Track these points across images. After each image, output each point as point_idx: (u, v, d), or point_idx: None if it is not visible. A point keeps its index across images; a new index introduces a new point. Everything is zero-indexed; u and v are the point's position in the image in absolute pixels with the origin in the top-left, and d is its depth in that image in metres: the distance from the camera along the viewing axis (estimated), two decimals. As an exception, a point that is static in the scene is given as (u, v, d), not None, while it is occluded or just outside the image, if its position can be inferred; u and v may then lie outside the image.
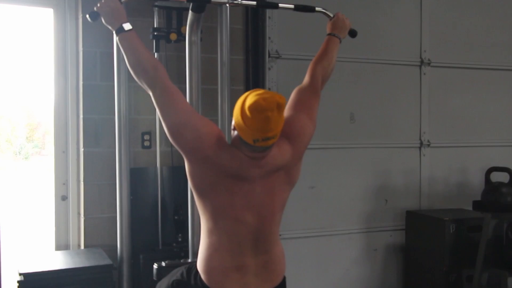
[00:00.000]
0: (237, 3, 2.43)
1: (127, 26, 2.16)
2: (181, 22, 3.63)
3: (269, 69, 4.15)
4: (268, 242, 2.16)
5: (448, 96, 4.79)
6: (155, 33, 3.63)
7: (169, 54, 3.74)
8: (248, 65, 4.09)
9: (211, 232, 2.10)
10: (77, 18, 3.77)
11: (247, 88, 4.05)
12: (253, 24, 4.10)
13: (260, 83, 4.07)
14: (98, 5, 2.20)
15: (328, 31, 2.56)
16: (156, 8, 3.68)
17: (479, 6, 4.90)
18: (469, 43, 4.84)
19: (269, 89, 4.12)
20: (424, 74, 4.68)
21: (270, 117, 1.91)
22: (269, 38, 4.15)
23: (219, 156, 2.02)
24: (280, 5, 2.61)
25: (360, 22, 4.45)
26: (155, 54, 3.68)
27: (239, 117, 1.96)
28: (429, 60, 4.68)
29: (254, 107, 1.91)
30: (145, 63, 2.11)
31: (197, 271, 2.17)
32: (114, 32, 2.18)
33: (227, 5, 2.45)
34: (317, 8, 2.65)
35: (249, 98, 1.95)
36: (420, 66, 4.67)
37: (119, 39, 2.16)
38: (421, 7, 4.66)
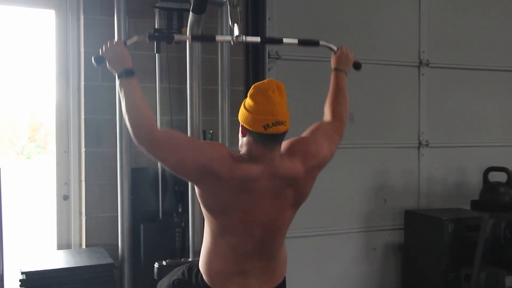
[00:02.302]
0: (241, 41, 2.38)
1: (128, 72, 2.13)
2: (182, 23, 3.65)
3: (269, 69, 4.17)
4: (272, 252, 2.18)
5: (446, 96, 4.81)
6: (156, 34, 3.65)
7: (170, 54, 3.76)
8: (248, 66, 4.11)
9: (216, 241, 2.10)
10: (78, 20, 3.79)
11: (247, 89, 4.06)
12: (253, 25, 4.13)
13: (260, 84, 4.09)
14: (104, 49, 2.17)
15: (333, 65, 2.56)
16: (157, 9, 3.70)
17: (478, 7, 4.91)
18: (467, 44, 4.86)
19: (269, 89, 4.14)
20: (423, 74, 4.70)
21: (272, 96, 1.93)
22: (269, 38, 4.17)
23: (233, 173, 1.97)
24: (285, 40, 2.58)
25: (359, 23, 4.49)
26: (156, 55, 3.71)
27: (244, 112, 1.97)
28: (427, 61, 4.70)
29: (254, 91, 1.96)
30: (140, 121, 2.04)
31: (198, 270, 2.18)
32: (116, 75, 2.15)
33: (232, 42, 2.38)
34: (321, 42, 2.62)
35: (248, 94, 1.99)
36: (419, 67, 4.69)
37: (119, 83, 2.12)
38: (419, 8, 4.68)
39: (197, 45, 3.10)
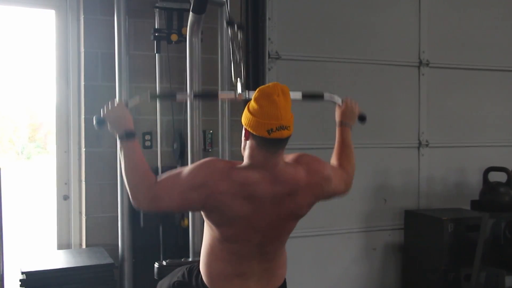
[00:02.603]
0: (245, 98, 2.37)
1: (128, 134, 2.10)
2: (182, 23, 3.66)
3: (269, 70, 4.17)
4: (272, 255, 2.18)
5: (446, 96, 4.81)
6: (156, 34, 3.66)
7: (170, 55, 3.76)
8: (248, 66, 4.11)
9: (215, 246, 2.11)
10: (78, 20, 3.79)
11: (247, 89, 4.06)
12: (253, 25, 4.12)
13: (260, 84, 4.08)
14: (105, 110, 2.15)
15: (337, 118, 2.53)
16: (157, 9, 3.71)
17: (478, 7, 4.91)
18: (467, 44, 4.86)
19: (269, 89, 4.14)
20: (423, 74, 4.70)
21: (277, 101, 1.92)
22: (269, 39, 4.17)
23: (232, 181, 1.97)
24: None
25: (359, 23, 4.50)
26: (156, 55, 3.71)
27: (248, 115, 1.96)
28: (427, 61, 4.70)
29: (259, 95, 1.95)
30: (138, 183, 2.01)
31: (198, 272, 2.19)
32: (116, 137, 2.13)
33: (235, 99, 2.38)
34: (325, 96, 2.58)
35: (253, 96, 1.98)
36: (419, 67, 4.70)
37: (120, 145, 2.11)
38: (419, 8, 4.68)
39: (197, 45, 3.10)
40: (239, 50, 2.44)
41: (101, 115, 2.15)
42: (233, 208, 1.98)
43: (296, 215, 2.14)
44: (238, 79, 2.28)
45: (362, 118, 2.63)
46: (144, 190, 2.00)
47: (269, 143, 1.95)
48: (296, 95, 2.50)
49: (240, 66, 2.38)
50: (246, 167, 2.02)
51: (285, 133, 1.94)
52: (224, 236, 2.07)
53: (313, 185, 2.11)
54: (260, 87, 1.98)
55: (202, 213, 2.07)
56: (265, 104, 1.92)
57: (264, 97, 1.93)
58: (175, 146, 3.77)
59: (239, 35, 2.47)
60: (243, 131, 2.02)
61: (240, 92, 2.36)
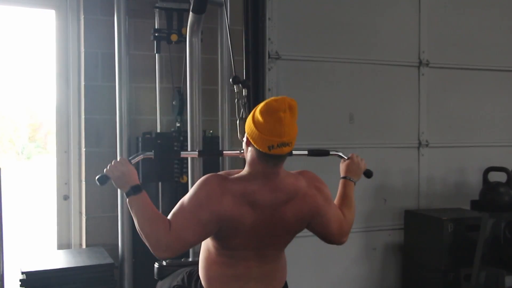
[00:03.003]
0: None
1: (135, 189, 2.05)
2: (182, 23, 3.66)
3: (269, 70, 4.17)
4: (272, 258, 2.17)
5: (446, 96, 4.81)
6: (156, 34, 3.66)
7: (170, 55, 3.76)
8: (248, 66, 4.10)
9: (213, 250, 2.11)
10: (78, 20, 3.80)
11: (247, 89, 4.07)
12: (253, 25, 4.12)
13: (260, 84, 4.08)
14: (108, 168, 2.10)
15: (342, 173, 2.49)
16: (157, 9, 3.71)
17: (478, 7, 4.91)
18: (467, 44, 4.86)
19: (269, 90, 4.14)
20: (423, 74, 4.71)
21: (282, 117, 1.88)
22: (269, 39, 4.17)
23: (232, 191, 1.97)
24: (294, 152, 2.42)
25: (359, 23, 4.50)
26: (156, 55, 3.71)
27: (252, 126, 1.93)
28: (427, 61, 4.71)
29: (265, 109, 1.91)
30: (155, 236, 1.97)
31: (198, 277, 2.19)
32: (124, 193, 2.09)
33: (240, 156, 2.33)
34: (331, 152, 2.56)
35: (259, 106, 1.94)
36: (419, 67, 4.70)
37: (128, 202, 2.07)
38: (419, 8, 4.68)
39: (197, 45, 3.11)
40: (245, 107, 2.42)
41: (104, 172, 2.10)
42: (242, 217, 1.98)
43: (294, 229, 2.13)
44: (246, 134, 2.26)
45: (368, 174, 2.60)
46: (166, 240, 1.95)
47: (269, 157, 1.95)
48: (302, 152, 2.53)
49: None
50: (246, 177, 2.02)
51: (285, 150, 1.93)
52: (223, 246, 2.07)
53: (310, 197, 2.09)
54: (267, 100, 1.93)
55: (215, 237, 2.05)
56: (269, 120, 1.89)
57: (270, 113, 1.90)
58: (174, 102, 3.76)
59: (244, 92, 2.45)
60: (245, 138, 2.01)
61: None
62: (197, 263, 2.24)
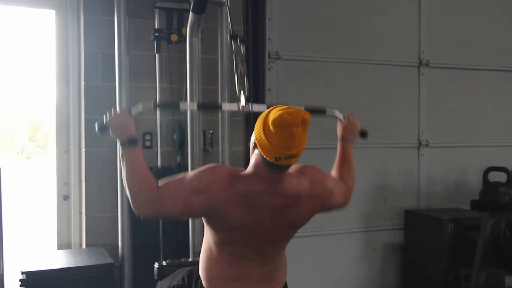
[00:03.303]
0: (248, 110, 2.34)
1: (131, 141, 2.07)
2: (182, 23, 3.66)
3: (269, 70, 4.18)
4: (271, 257, 2.18)
5: (446, 96, 4.81)
6: (156, 34, 3.66)
7: (170, 55, 3.76)
8: (248, 66, 4.11)
9: (214, 249, 2.11)
10: (78, 20, 3.79)
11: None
12: (253, 25, 4.13)
13: (260, 84, 4.09)
14: (108, 118, 2.12)
15: (339, 134, 2.52)
16: (157, 10, 3.71)
17: (478, 7, 4.91)
18: (467, 44, 4.87)
19: (269, 89, 4.15)
20: (423, 75, 4.71)
21: (295, 133, 1.85)
22: (269, 39, 4.17)
23: (234, 190, 1.97)
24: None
25: (359, 23, 4.50)
26: (156, 55, 3.71)
27: (261, 134, 1.90)
28: (427, 61, 4.71)
29: (278, 121, 1.85)
30: (140, 188, 2.00)
31: (198, 277, 2.19)
32: (118, 143, 2.12)
33: (238, 112, 2.38)
34: (327, 111, 2.56)
35: (273, 113, 1.89)
36: (419, 67, 4.70)
37: (122, 152, 2.08)
38: (419, 8, 4.68)
39: (197, 45, 3.11)
40: (243, 63, 2.43)
41: (103, 121, 2.12)
42: (233, 217, 1.98)
43: (295, 226, 2.14)
44: (242, 91, 2.26)
45: (363, 134, 2.62)
46: (146, 195, 1.98)
47: (275, 166, 1.94)
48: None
49: (244, 78, 2.36)
50: (250, 177, 2.00)
51: (292, 161, 1.92)
52: (223, 241, 2.07)
53: (314, 198, 2.10)
54: (282, 112, 1.87)
55: (202, 218, 2.08)
56: (281, 133, 1.86)
57: (283, 126, 1.85)
58: (175, 137, 3.77)
59: (242, 49, 2.44)
60: (253, 139, 1.98)
61: (244, 104, 2.34)
62: (197, 263, 2.24)
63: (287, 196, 2.03)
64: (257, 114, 2.06)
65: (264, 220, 2.02)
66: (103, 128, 2.12)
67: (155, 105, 2.39)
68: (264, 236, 2.06)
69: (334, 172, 2.42)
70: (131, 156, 2.05)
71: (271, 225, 2.04)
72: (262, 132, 1.90)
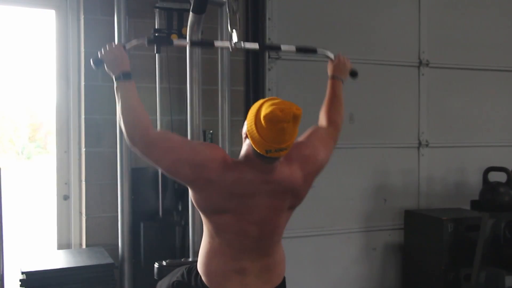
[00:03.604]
0: (240, 48, 2.40)
1: (125, 75, 2.12)
2: (182, 23, 3.65)
3: (269, 70, 4.18)
4: (269, 249, 2.19)
5: (446, 96, 4.81)
6: (156, 34, 3.66)
7: (170, 55, 3.76)
8: (248, 66, 4.11)
9: (213, 238, 2.12)
10: (78, 20, 3.80)
11: (247, 89, 4.08)
12: (253, 25, 4.13)
13: (260, 84, 4.10)
14: (103, 51, 2.17)
15: (329, 73, 2.58)
16: (157, 10, 3.71)
17: (478, 7, 4.91)
18: (467, 44, 4.87)
19: (269, 90, 4.15)
20: (423, 75, 4.71)
21: (285, 128, 1.88)
22: (269, 39, 4.17)
23: (224, 176, 2.00)
24: (283, 47, 2.58)
25: (359, 23, 4.50)
26: (156, 55, 3.71)
27: (253, 127, 1.93)
28: (427, 61, 4.71)
29: (270, 117, 1.87)
30: (135, 122, 2.06)
31: (197, 273, 2.19)
32: (113, 78, 2.15)
33: (230, 49, 2.41)
34: (318, 50, 2.62)
35: (265, 107, 1.91)
36: (419, 67, 4.70)
37: (116, 86, 2.13)
38: (419, 8, 4.68)
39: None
40: (236, 0, 2.47)
41: (99, 56, 2.17)
42: (217, 200, 2.02)
43: (293, 205, 2.19)
44: (234, 30, 2.29)
45: (353, 74, 2.70)
46: (140, 135, 2.04)
47: (265, 158, 1.98)
48: (290, 48, 2.58)
49: (236, 17, 2.40)
50: (242, 165, 2.04)
51: (282, 153, 1.96)
52: (218, 227, 2.08)
53: (308, 176, 2.16)
54: (274, 107, 1.88)
55: (191, 198, 2.11)
56: (272, 128, 1.88)
57: (274, 122, 1.87)
58: (175, 187, 3.77)
59: (237, 17, 2.50)
60: (245, 129, 2.02)
61: (236, 41, 2.39)
62: (196, 263, 2.25)
63: (280, 185, 2.07)
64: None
65: (259, 206, 2.05)
66: (98, 62, 2.18)
67: (149, 41, 2.45)
68: (261, 222, 2.08)
69: (322, 113, 2.48)
70: (126, 90, 2.11)
71: (267, 210, 2.08)
72: (253, 125, 1.93)
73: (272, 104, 1.90)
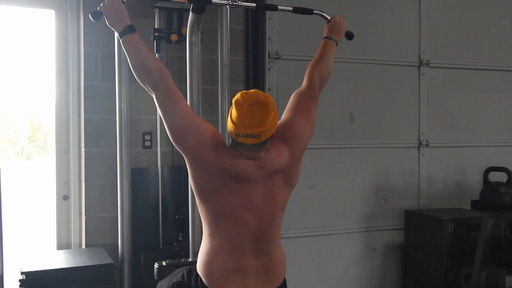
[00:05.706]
0: (237, 5, 2.48)
1: (130, 28, 2.16)
2: (182, 23, 3.66)
3: (269, 69, 4.17)
4: (269, 244, 2.19)
5: (446, 96, 4.81)
6: (156, 34, 3.66)
7: (169, 55, 3.76)
8: (248, 66, 4.11)
9: (213, 235, 2.13)
10: (78, 19, 3.79)
11: (247, 89, 4.07)
12: (253, 25, 4.13)
13: (260, 84, 4.10)
14: (101, 5, 2.19)
15: (325, 34, 2.60)
16: (157, 9, 3.71)
17: (478, 7, 4.91)
18: (467, 43, 4.86)
19: (269, 89, 4.15)
20: (423, 74, 4.70)
21: (249, 110, 1.98)
22: (269, 39, 4.17)
23: (221, 158, 2.06)
24: (279, 7, 2.66)
25: (359, 22, 4.49)
26: (156, 55, 3.71)
27: (230, 113, 2.05)
28: (427, 60, 4.70)
29: (236, 99, 2.03)
30: (150, 66, 2.12)
31: (197, 274, 2.19)
32: (117, 34, 2.19)
33: (227, 6, 2.50)
34: (314, 11, 2.69)
35: (235, 98, 2.05)
36: (419, 67, 4.70)
37: (122, 41, 2.16)
38: (419, 7, 4.68)
39: (197, 45, 3.10)
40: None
41: (98, 9, 2.18)
42: (215, 179, 2.06)
43: (290, 183, 2.22)
44: None
45: (349, 35, 2.71)
46: (159, 77, 2.12)
47: (239, 143, 2.06)
48: (287, 8, 2.65)
49: None
50: (234, 152, 2.08)
51: (250, 141, 2.02)
52: (216, 214, 2.10)
53: (297, 153, 2.20)
54: (242, 92, 2.05)
55: (191, 181, 2.13)
56: (238, 110, 2.00)
57: (239, 104, 2.01)
58: (176, 217, 3.76)
59: None
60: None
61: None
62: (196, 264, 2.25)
63: (272, 167, 2.12)
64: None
65: (254, 189, 2.10)
66: (97, 14, 2.19)
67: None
68: (257, 207, 2.11)
69: (307, 70, 2.49)
70: (134, 42, 2.15)
71: (263, 192, 2.12)
72: (230, 112, 2.05)
73: (243, 91, 2.05)
